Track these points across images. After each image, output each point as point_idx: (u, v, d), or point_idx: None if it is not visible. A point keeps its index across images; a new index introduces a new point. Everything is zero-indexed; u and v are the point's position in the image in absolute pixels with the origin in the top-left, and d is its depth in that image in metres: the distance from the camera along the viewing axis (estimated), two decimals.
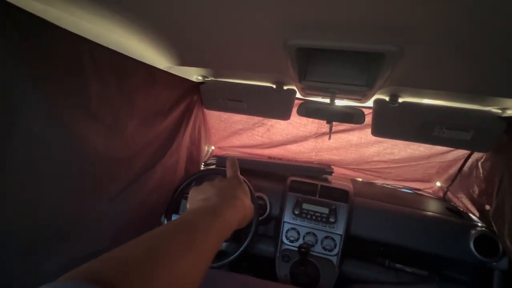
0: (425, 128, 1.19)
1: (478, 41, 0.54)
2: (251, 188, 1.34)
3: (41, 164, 0.69)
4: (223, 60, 0.98)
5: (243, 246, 1.23)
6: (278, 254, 1.40)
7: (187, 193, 1.47)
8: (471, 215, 1.46)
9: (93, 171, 0.85)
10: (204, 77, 1.32)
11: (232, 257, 1.21)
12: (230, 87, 1.35)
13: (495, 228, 1.23)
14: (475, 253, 1.24)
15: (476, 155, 1.41)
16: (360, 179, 1.82)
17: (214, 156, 1.91)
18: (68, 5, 0.58)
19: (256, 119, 1.68)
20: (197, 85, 1.37)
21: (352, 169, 1.77)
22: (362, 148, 1.61)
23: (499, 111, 1.05)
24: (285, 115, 1.36)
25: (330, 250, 1.36)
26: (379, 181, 1.80)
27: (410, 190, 1.76)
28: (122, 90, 0.90)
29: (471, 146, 1.26)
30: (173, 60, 0.97)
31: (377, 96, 1.15)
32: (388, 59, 0.67)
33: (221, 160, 1.78)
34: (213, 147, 1.93)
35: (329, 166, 1.66)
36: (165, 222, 1.34)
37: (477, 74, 0.73)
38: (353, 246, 1.43)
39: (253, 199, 1.32)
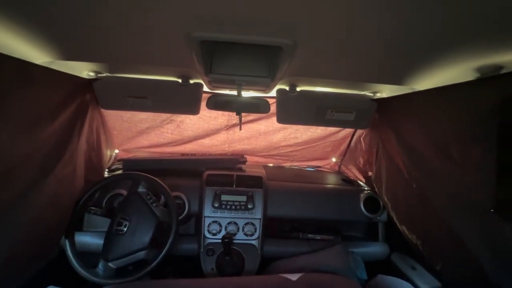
0: (320, 113, 1.37)
1: (351, 39, 0.67)
2: (167, 189, 1.28)
3: None
4: (119, 53, 0.89)
5: (164, 250, 1.17)
6: (202, 250, 1.40)
7: (92, 206, 1.30)
8: (359, 182, 1.76)
9: None
10: (97, 72, 1.17)
11: (153, 264, 1.14)
12: (130, 83, 1.23)
13: (376, 189, 1.52)
14: (365, 212, 1.51)
15: (359, 132, 1.70)
16: (271, 164, 1.95)
17: (120, 160, 1.73)
18: None
19: (164, 115, 1.60)
20: (89, 82, 1.21)
21: (263, 156, 1.89)
22: (270, 135, 1.73)
23: (371, 94, 1.29)
24: (194, 110, 1.33)
25: (252, 235, 1.43)
26: (287, 164, 1.98)
27: (312, 168, 2.01)
28: None
29: (354, 125, 1.53)
30: (54, 54, 0.82)
31: (279, 86, 1.24)
32: (285, 52, 0.75)
33: (128, 164, 1.63)
34: (117, 151, 1.74)
35: (242, 155, 1.72)
36: (66, 244, 1.15)
37: (354, 65, 0.88)
38: (271, 226, 1.54)
39: (170, 199, 1.26)
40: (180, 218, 1.37)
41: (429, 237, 1.14)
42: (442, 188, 1.00)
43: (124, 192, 1.34)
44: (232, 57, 0.92)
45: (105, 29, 0.66)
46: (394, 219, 1.37)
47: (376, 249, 1.52)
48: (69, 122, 1.11)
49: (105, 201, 1.36)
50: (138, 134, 1.68)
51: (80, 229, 1.27)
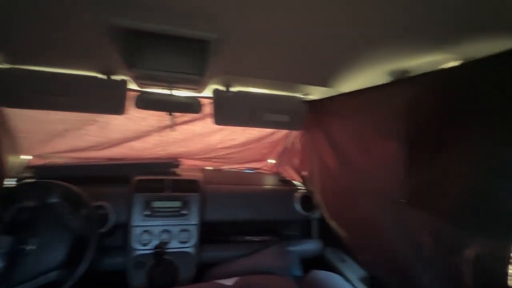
0: (255, 114, 1.37)
1: (276, 38, 0.67)
2: (84, 197, 1.13)
3: None
4: (19, 40, 0.76)
5: (79, 268, 1.01)
6: (130, 264, 1.27)
7: None
8: (295, 182, 1.82)
9: None
10: None
11: (66, 285, 0.98)
12: (39, 76, 1.07)
13: (310, 188, 1.58)
14: (301, 211, 1.56)
15: (293, 133, 1.76)
16: (209, 168, 1.90)
17: (32, 167, 1.48)
18: None
19: (85, 115, 1.42)
20: None
21: (201, 159, 1.82)
22: (206, 137, 1.68)
23: (303, 96, 1.34)
24: (118, 109, 1.21)
25: (187, 242, 1.35)
26: (225, 167, 1.94)
27: (251, 170, 2.01)
28: None
29: (289, 126, 1.57)
30: None
31: (214, 86, 1.21)
32: (213, 47, 0.72)
33: (41, 171, 1.41)
34: (28, 157, 1.50)
35: (175, 159, 1.64)
36: None
37: (282, 65, 0.90)
38: (209, 232, 1.48)
39: (88, 209, 1.12)
40: (103, 229, 1.23)
41: (355, 231, 1.22)
42: (365, 183, 1.08)
43: (33, 204, 1.15)
44: (158, 52, 0.86)
45: (3, 11, 0.55)
46: (326, 215, 1.44)
47: (311, 245, 1.58)
48: None
49: (5, 216, 1.15)
50: (54, 136, 1.47)
51: None
